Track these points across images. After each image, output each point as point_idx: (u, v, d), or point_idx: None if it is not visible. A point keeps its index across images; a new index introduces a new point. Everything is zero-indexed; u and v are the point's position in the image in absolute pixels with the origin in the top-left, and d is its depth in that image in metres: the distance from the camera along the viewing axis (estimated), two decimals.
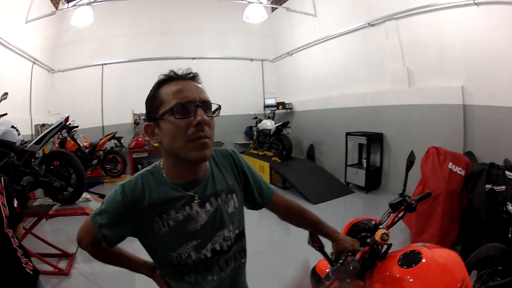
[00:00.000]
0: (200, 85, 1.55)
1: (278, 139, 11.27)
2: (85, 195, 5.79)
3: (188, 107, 1.42)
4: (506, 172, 4.80)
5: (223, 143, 13.69)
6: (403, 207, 2.28)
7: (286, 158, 10.90)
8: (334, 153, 11.06)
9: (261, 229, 7.03)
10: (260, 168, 11.25)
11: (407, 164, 2.53)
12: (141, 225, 1.53)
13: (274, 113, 13.13)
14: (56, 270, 5.06)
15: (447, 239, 5.36)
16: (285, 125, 11.17)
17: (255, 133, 12.96)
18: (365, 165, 9.34)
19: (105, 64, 12.78)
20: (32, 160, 5.44)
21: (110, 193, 1.56)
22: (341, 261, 2.02)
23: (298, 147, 12.77)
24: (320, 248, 2.08)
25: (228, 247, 1.66)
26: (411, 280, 1.87)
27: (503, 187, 4.81)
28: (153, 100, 1.51)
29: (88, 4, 10.29)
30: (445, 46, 7.52)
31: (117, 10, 12.44)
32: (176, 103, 1.41)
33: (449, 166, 5.60)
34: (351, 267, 1.95)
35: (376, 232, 2.09)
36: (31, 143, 5.42)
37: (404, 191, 2.37)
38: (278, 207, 1.96)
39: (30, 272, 2.43)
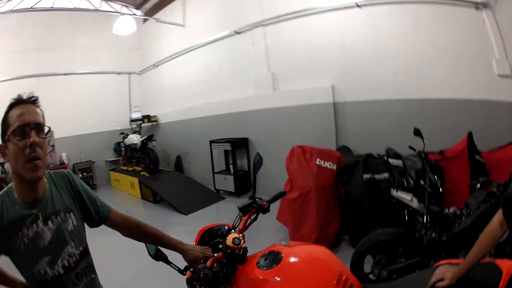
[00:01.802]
0: (38, 109, 1.61)
1: (145, 153, 10.57)
2: None
3: (25, 130, 1.51)
4: (390, 159, 4.62)
5: (94, 161, 12.47)
6: (253, 209, 2.21)
7: (154, 172, 10.22)
8: (201, 162, 10.54)
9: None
10: (130, 184, 10.50)
11: (254, 167, 2.43)
12: (5, 243, 1.55)
13: (140, 127, 12.29)
14: None
15: (328, 230, 5.13)
16: (150, 138, 10.48)
17: (123, 148, 12.04)
18: (232, 170, 8.91)
19: None
20: None
21: None
22: (191, 269, 1.84)
23: (165, 160, 12.06)
24: (165, 260, 1.90)
25: (75, 263, 1.70)
26: (275, 280, 1.76)
27: (386, 174, 4.58)
28: (4, 122, 1.57)
29: None
30: (316, 48, 7.44)
31: (7, 25, 10.94)
32: (17, 125, 1.51)
33: (317, 162, 5.34)
34: (202, 275, 1.75)
35: (228, 237, 1.98)
36: None
37: (254, 194, 2.30)
38: (117, 224, 1.96)
39: None
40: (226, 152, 9.51)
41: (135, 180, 10.12)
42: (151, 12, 13.03)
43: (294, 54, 7.85)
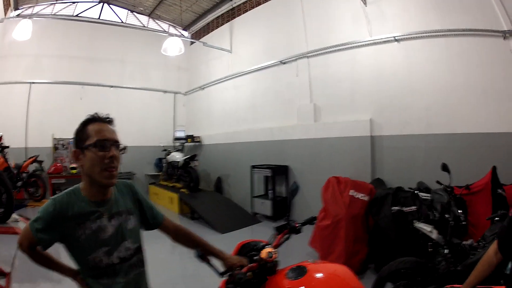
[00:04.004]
0: (114, 128, 1.99)
1: (186, 172, 10.97)
2: (14, 215, 5.53)
3: (105, 144, 1.86)
4: (420, 193, 4.86)
5: (135, 174, 13.16)
6: (287, 229, 2.49)
7: (194, 190, 10.60)
8: (241, 185, 10.85)
9: (174, 260, 6.86)
10: (169, 199, 10.93)
11: (290, 193, 2.61)
12: (66, 232, 1.85)
13: (183, 146, 12.84)
14: None
15: (355, 258, 5.43)
16: (192, 158, 10.96)
17: (164, 165, 12.60)
18: (270, 196, 9.18)
19: (33, 83, 11.76)
20: None
21: (44, 204, 1.89)
22: (229, 273, 2.17)
23: (206, 180, 12.47)
24: (208, 262, 2.19)
25: (130, 256, 2.02)
26: None
27: (414, 207, 4.86)
28: (81, 133, 1.91)
29: (30, 17, 9.65)
30: (356, 81, 7.79)
31: (51, 29, 11.89)
32: (97, 139, 1.85)
33: (350, 193, 5.78)
34: (238, 277, 2.06)
35: (262, 251, 2.24)
36: None
37: (289, 216, 2.57)
38: (168, 229, 2.34)
39: None
40: (266, 177, 9.76)
41: (175, 196, 10.58)
42: (198, 35, 13.87)
43: (336, 87, 8.18)
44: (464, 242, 3.63)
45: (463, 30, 6.03)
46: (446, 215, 4.05)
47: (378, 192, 5.70)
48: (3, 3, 10.20)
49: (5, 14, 10.59)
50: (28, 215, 5.59)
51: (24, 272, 5.35)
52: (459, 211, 4.02)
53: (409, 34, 6.78)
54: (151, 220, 2.25)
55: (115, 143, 1.91)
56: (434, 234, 3.91)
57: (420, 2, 6.75)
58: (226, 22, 12.21)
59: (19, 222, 5.35)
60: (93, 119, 1.94)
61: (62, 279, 2.07)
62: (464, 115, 6.08)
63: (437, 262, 3.72)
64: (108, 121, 1.97)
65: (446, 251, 3.67)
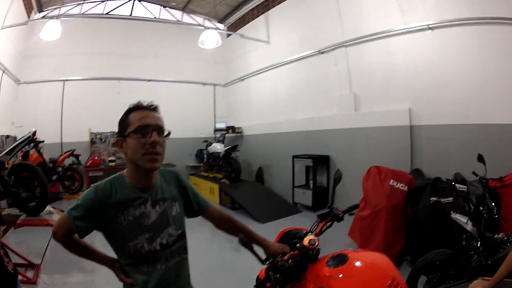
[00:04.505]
0: (158, 115, 2.00)
1: (227, 162, 11.22)
2: (49, 208, 5.66)
3: (146, 130, 1.88)
4: (457, 185, 4.85)
5: (175, 165, 13.28)
6: (330, 217, 2.51)
7: (235, 180, 10.85)
8: (282, 175, 11.01)
9: (213, 248, 7.09)
10: (210, 190, 11.14)
11: (333, 181, 2.77)
12: (107, 218, 1.88)
13: (224, 137, 12.99)
14: (25, 278, 4.95)
15: (393, 249, 5.46)
16: (234, 148, 11.21)
17: (205, 156, 12.88)
18: (311, 185, 9.38)
19: (67, 80, 12.36)
20: (1, 170, 5.47)
21: (85, 192, 1.94)
22: (271, 260, 2.27)
23: (247, 170, 12.68)
24: (251, 248, 2.21)
25: (172, 243, 2.02)
26: (339, 276, 2.03)
27: (451, 198, 4.89)
28: (124, 122, 1.94)
29: (57, 17, 10.01)
30: (393, 70, 7.77)
31: (81, 27, 12.27)
32: (138, 125, 1.87)
33: (391, 183, 5.73)
34: (280, 265, 2.10)
35: (305, 238, 2.28)
36: (1, 154, 5.51)
37: (332, 204, 2.68)
38: (212, 216, 2.37)
39: (11, 271, 2.56)
40: (307, 167, 9.95)
41: (216, 186, 10.82)
42: (234, 27, 14.04)
43: (374, 76, 8.19)
44: (495, 236, 3.67)
45: (493, 18, 5.92)
46: (481, 208, 4.10)
47: (417, 182, 5.70)
48: (25, 6, 10.60)
49: (29, 16, 11.00)
50: (63, 207, 5.89)
51: (54, 263, 5.59)
52: (492, 203, 4.06)
53: (442, 22, 6.70)
54: (195, 207, 2.27)
55: (157, 128, 1.92)
56: (469, 226, 3.96)
57: None
58: (262, 14, 12.35)
59: (53, 214, 5.55)
60: (136, 108, 1.97)
61: (95, 269, 2.07)
62: (498, 105, 5.99)
63: (470, 255, 3.77)
64: (152, 108, 1.99)
65: (478, 244, 3.73)
